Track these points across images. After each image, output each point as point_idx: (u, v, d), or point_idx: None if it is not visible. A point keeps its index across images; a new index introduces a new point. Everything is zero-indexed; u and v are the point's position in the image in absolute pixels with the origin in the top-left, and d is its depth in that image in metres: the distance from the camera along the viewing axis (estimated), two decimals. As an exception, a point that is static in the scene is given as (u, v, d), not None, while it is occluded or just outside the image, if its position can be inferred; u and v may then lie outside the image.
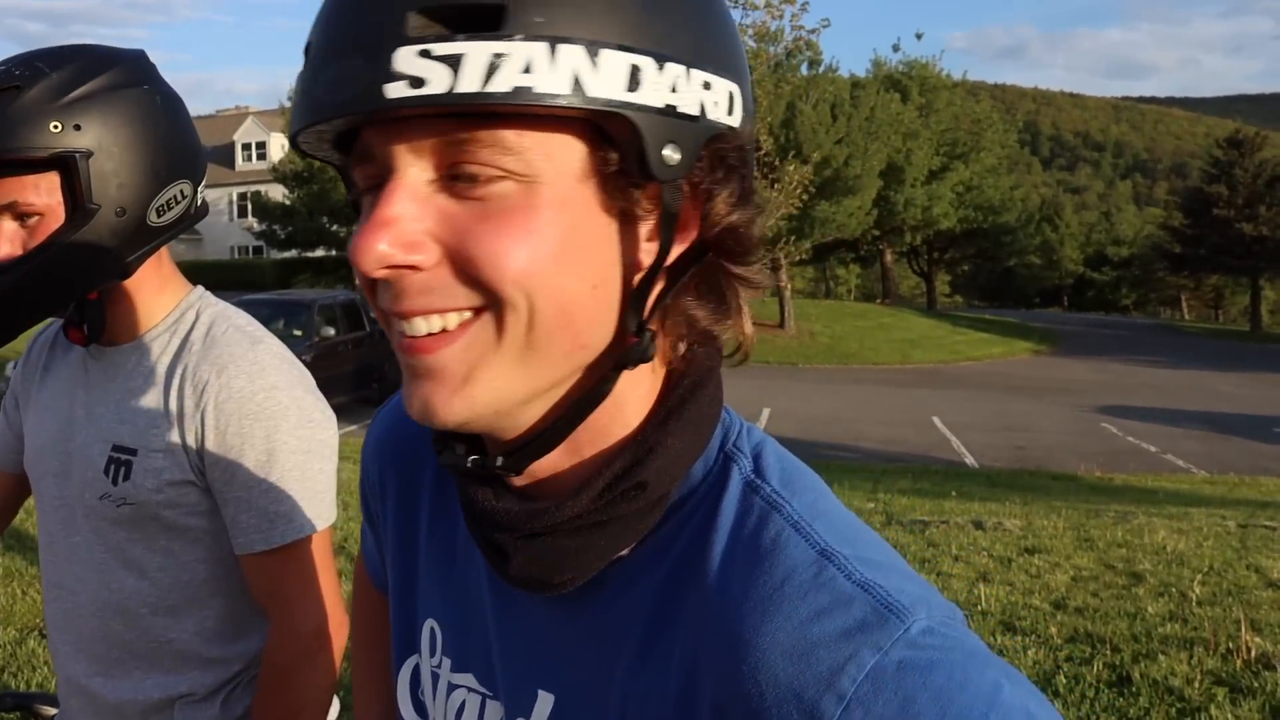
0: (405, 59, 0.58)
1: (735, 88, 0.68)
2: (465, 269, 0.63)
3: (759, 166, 16.59)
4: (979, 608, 5.32)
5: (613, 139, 0.63)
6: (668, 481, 0.70)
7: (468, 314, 0.64)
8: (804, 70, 33.54)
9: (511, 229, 0.62)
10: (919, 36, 56.36)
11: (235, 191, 57.35)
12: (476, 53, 0.58)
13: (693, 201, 0.67)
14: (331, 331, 16.34)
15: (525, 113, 0.60)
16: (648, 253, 0.67)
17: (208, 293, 1.63)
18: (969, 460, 15.15)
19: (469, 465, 0.72)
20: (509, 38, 0.58)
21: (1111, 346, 36.77)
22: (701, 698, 0.64)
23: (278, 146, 53.44)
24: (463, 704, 0.82)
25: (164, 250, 1.55)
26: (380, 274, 0.63)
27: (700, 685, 0.64)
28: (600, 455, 0.72)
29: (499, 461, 0.71)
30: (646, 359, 0.68)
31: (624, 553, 0.71)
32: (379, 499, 0.96)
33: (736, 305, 0.73)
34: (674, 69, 0.63)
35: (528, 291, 0.63)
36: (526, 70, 0.58)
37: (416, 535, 0.90)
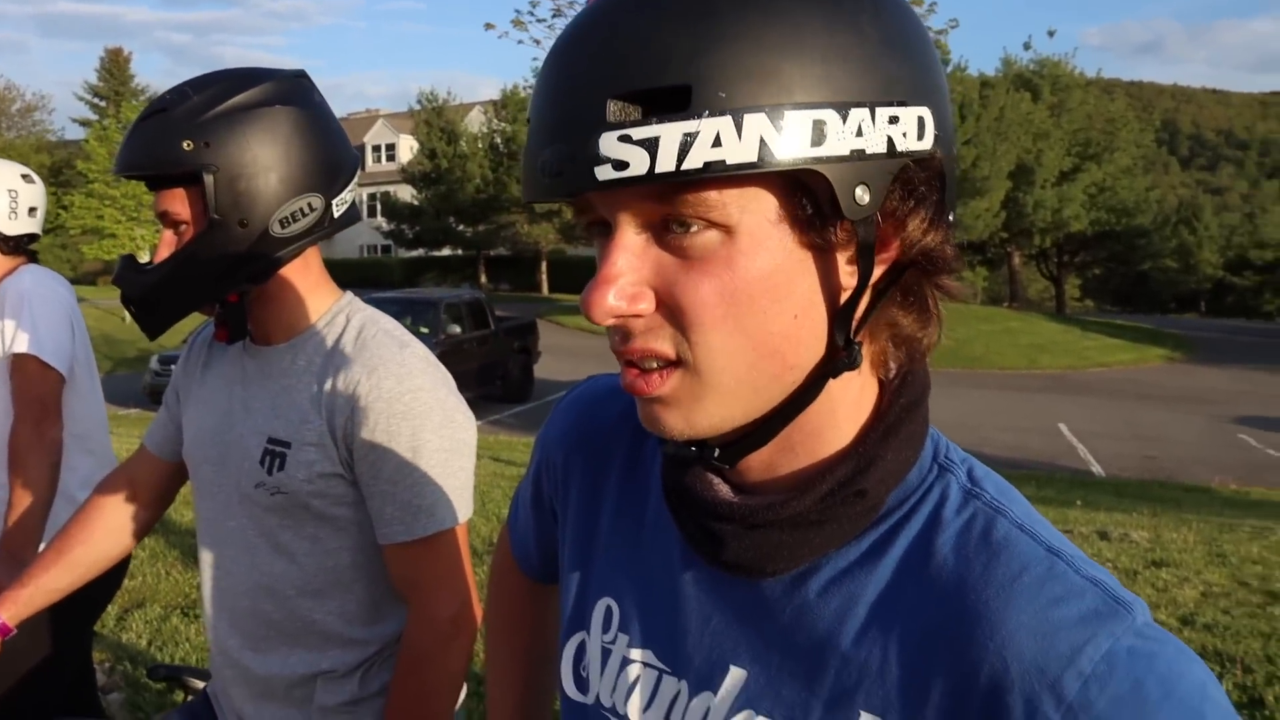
0: (608, 144, 0.65)
1: (925, 111, 0.71)
2: (674, 315, 0.71)
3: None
4: (1101, 620, 5.19)
5: (806, 186, 0.68)
6: (884, 490, 0.77)
7: (676, 365, 0.72)
8: (931, 70, 33.00)
9: (714, 276, 0.69)
10: (1051, 34, 54.81)
11: (365, 192, 58.77)
12: (669, 134, 0.64)
13: (891, 228, 0.72)
14: (457, 329, 16.67)
15: (720, 177, 0.66)
16: (848, 277, 0.72)
17: (357, 298, 1.74)
18: (1096, 469, 14.74)
19: (690, 452, 0.79)
20: (696, 117, 0.64)
21: (1252, 354, 35.22)
22: (934, 670, 0.71)
23: (406, 148, 54.66)
24: (637, 679, 0.88)
25: (313, 256, 1.68)
26: (610, 323, 0.72)
27: (934, 659, 0.71)
28: (817, 460, 0.79)
29: (715, 453, 0.78)
30: (853, 367, 0.74)
31: (834, 548, 0.78)
32: (560, 486, 1.03)
33: (937, 312, 0.79)
34: (858, 114, 0.67)
35: (726, 335, 0.70)
36: (715, 144, 0.64)
37: (598, 519, 0.97)
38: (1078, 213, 41.65)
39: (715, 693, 0.82)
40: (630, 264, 0.71)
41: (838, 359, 0.74)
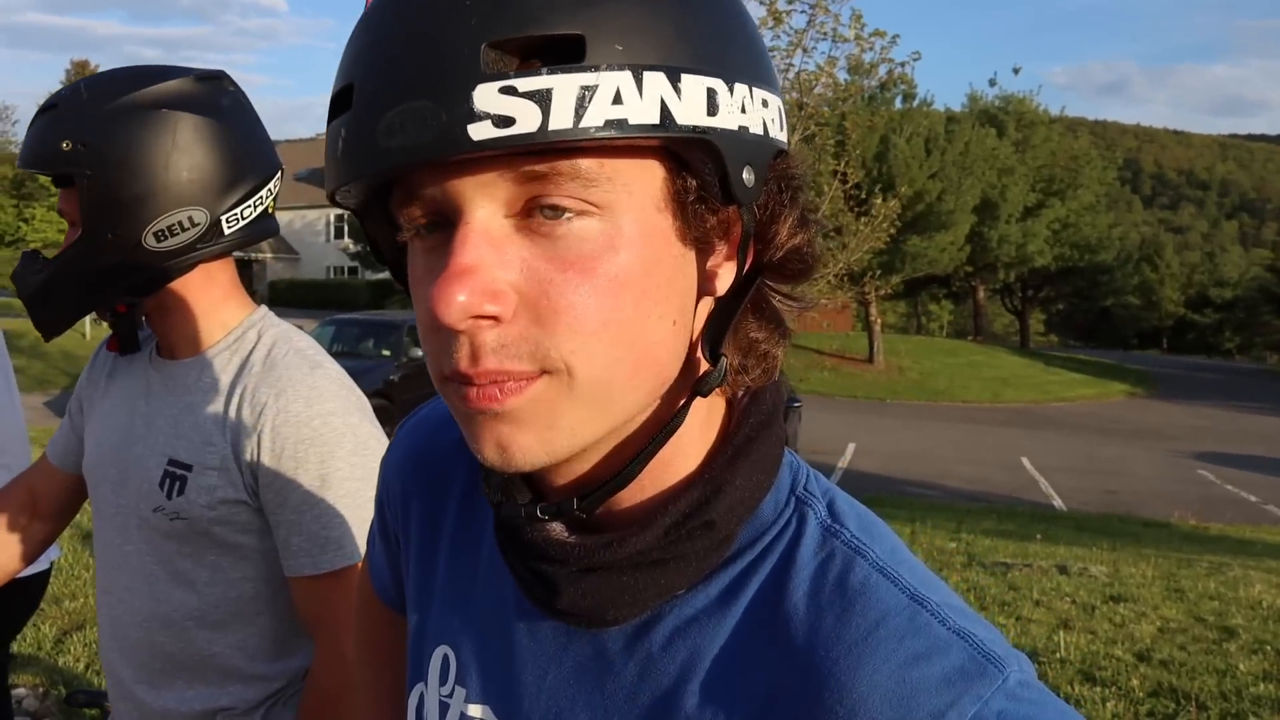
0: (486, 97, 0.54)
1: (777, 101, 0.66)
2: (544, 323, 0.59)
3: (847, 200, 16.35)
4: (1058, 655, 5.18)
5: (689, 165, 0.61)
6: (734, 521, 0.68)
7: (538, 375, 0.60)
8: (898, 104, 33.33)
9: (592, 277, 0.59)
10: (1016, 71, 55.53)
11: (332, 214, 58.54)
12: (564, 87, 0.54)
13: (769, 223, 0.66)
14: (419, 352, 16.55)
15: (607, 144, 0.57)
16: (723, 280, 0.66)
17: (271, 313, 1.65)
18: (1057, 503, 14.82)
19: (540, 514, 0.68)
20: (594, 69, 0.55)
21: (1212, 391, 35.71)
22: None
23: (376, 170, 54.63)
24: None
25: (219, 269, 1.57)
26: (464, 326, 0.58)
27: None
28: (663, 490, 0.69)
29: (575, 505, 0.67)
30: (723, 384, 0.67)
31: (681, 591, 0.69)
32: (400, 517, 0.92)
33: (786, 329, 0.72)
34: (740, 89, 0.61)
35: (609, 343, 0.60)
36: (616, 101, 0.55)
37: (435, 557, 0.86)
38: (1041, 248, 42.12)
39: None
40: (488, 256, 0.59)
41: (708, 375, 0.66)
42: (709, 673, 0.67)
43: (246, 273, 52.62)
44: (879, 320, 35.26)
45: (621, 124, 0.55)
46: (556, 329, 0.59)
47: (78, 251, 1.46)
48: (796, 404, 15.52)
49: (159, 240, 1.45)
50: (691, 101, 0.58)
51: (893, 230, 17.89)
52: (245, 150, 1.53)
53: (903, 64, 15.61)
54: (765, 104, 0.63)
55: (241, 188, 1.51)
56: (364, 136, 0.57)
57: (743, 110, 0.61)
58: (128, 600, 1.58)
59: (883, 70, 15.58)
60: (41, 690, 4.20)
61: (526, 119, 0.54)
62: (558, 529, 0.69)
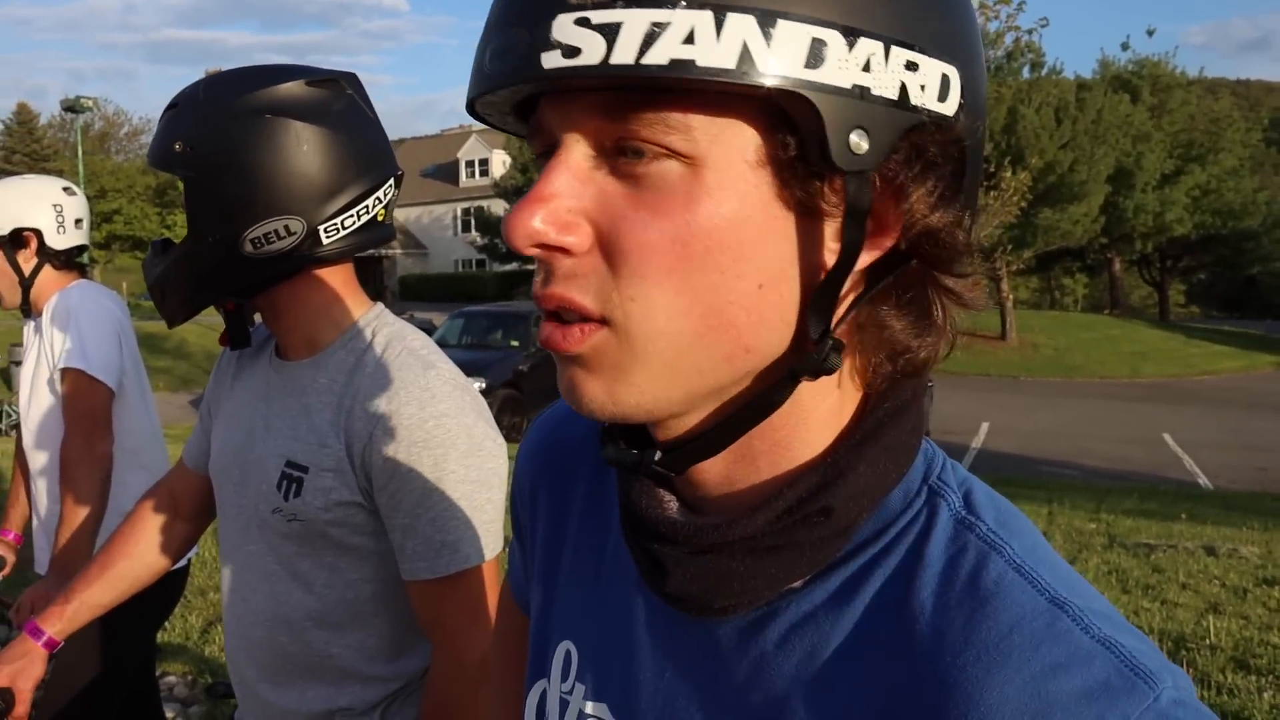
0: (562, 27, 0.55)
1: (953, 70, 0.60)
2: (611, 258, 0.59)
3: (975, 174, 16.10)
4: (1207, 641, 4.99)
5: (793, 121, 0.57)
6: (856, 511, 0.64)
7: (601, 326, 0.61)
8: (1025, 73, 32.38)
9: (667, 216, 0.58)
10: (1150, 33, 53.42)
11: (459, 207, 59.61)
12: (634, 21, 0.54)
13: (891, 199, 0.60)
14: (547, 342, 16.76)
15: (692, 87, 0.55)
16: (832, 252, 0.60)
17: (386, 311, 1.65)
18: (1202, 481, 14.24)
19: (630, 461, 0.68)
20: (672, 5, 0.53)
21: (1370, 360, 33.83)
22: None
23: (499, 163, 55.29)
24: None
25: (333, 271, 1.58)
26: (531, 251, 0.60)
27: None
28: (781, 474, 0.66)
29: (656, 455, 0.66)
30: (828, 370, 0.62)
31: (797, 584, 0.65)
32: (529, 510, 0.91)
33: (942, 320, 0.66)
34: (868, 45, 0.56)
35: (672, 293, 0.59)
36: (688, 40, 0.53)
37: (562, 549, 0.85)
38: (1181, 216, 40.42)
39: None
40: (570, 186, 0.60)
41: (808, 354, 0.61)
42: (825, 675, 0.63)
43: (376, 269, 53.97)
44: (1010, 296, 34.38)
45: (688, 65, 0.53)
46: (621, 270, 0.59)
47: (185, 251, 1.50)
48: (929, 384, 15.19)
49: (255, 247, 1.46)
50: (785, 50, 0.54)
51: (1023, 203, 17.44)
52: (352, 157, 1.51)
53: (1029, 31, 15.23)
54: (912, 66, 0.58)
55: (344, 197, 1.50)
56: (480, 58, 0.60)
57: (865, 68, 0.56)
58: (250, 600, 1.61)
59: (1009, 39, 15.19)
60: (190, 678, 4.40)
61: (592, 50, 0.54)
62: (672, 507, 0.69)
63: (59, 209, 2.83)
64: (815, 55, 0.55)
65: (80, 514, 2.61)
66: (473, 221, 53.14)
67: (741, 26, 0.54)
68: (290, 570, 1.56)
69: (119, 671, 2.71)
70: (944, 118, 0.60)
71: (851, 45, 0.56)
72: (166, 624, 4.85)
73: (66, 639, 1.75)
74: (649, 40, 0.53)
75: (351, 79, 1.60)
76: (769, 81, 0.54)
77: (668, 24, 0.53)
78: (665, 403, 0.62)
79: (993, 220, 15.70)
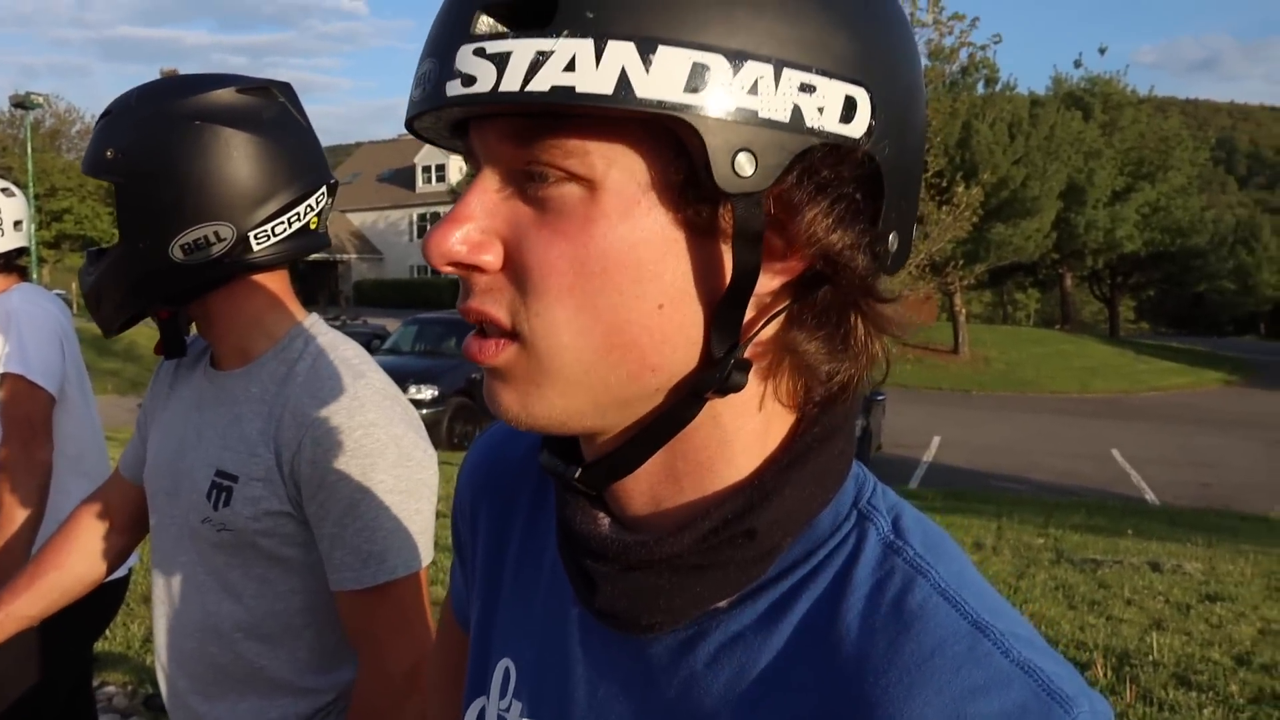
0: (463, 57, 0.58)
1: (860, 91, 0.59)
2: (518, 277, 0.62)
3: (928, 189, 16.14)
4: (1150, 658, 5.04)
5: (682, 145, 0.58)
6: (780, 534, 0.65)
7: (511, 341, 0.63)
8: (980, 89, 32.78)
9: (565, 236, 0.60)
10: (1102, 51, 54.32)
11: (415, 213, 59.36)
12: (521, 50, 0.56)
13: (790, 221, 0.60)
14: (501, 351, 16.73)
15: (583, 113, 0.57)
16: (730, 273, 0.61)
17: (320, 321, 1.64)
18: (1149, 496, 14.48)
19: (558, 470, 0.71)
20: (555, 35, 0.56)
21: (1313, 378, 34.49)
22: None
23: (456, 169, 55.17)
24: None
25: (266, 280, 1.57)
26: (446, 269, 0.64)
27: None
28: (707, 495, 0.68)
29: (576, 473, 0.69)
30: (732, 388, 0.63)
31: (723, 604, 0.67)
32: (470, 527, 0.92)
33: (863, 345, 0.66)
34: (756, 68, 0.56)
35: (573, 310, 0.61)
36: (569, 68, 0.55)
37: (503, 566, 0.86)
38: (1131, 233, 41.11)
39: None
40: (484, 208, 0.63)
41: (709, 374, 0.63)
42: (752, 695, 0.64)
43: (331, 274, 53.62)
44: (964, 310, 34.77)
45: (568, 91, 0.55)
46: (527, 288, 0.61)
47: (116, 258, 1.50)
48: (880, 398, 15.35)
49: (186, 254, 1.45)
50: (664, 75, 0.55)
51: (975, 218, 17.61)
52: (282, 165, 1.51)
53: (983, 47, 15.40)
54: (808, 88, 0.57)
55: (274, 203, 1.50)
56: (412, 86, 0.64)
57: (752, 90, 0.56)
58: (181, 611, 1.59)
59: (963, 55, 15.36)
60: (130, 688, 4.32)
61: (485, 79, 0.57)
62: (605, 524, 0.70)
63: None
64: (696, 79, 0.56)
65: (16, 521, 2.54)
66: (428, 227, 52.71)
67: (620, 53, 0.55)
68: (220, 581, 1.55)
69: (54, 682, 2.65)
70: (846, 139, 0.59)
71: (737, 69, 0.56)
72: (107, 633, 4.76)
73: None
74: (534, 68, 0.56)
75: (284, 87, 1.59)
76: (648, 107, 0.55)
77: (551, 52, 0.56)
78: (576, 415, 0.65)
79: (945, 235, 15.85)
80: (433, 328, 17.52)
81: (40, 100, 36.01)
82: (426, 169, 60.12)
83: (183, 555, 1.58)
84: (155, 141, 1.45)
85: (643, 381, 0.63)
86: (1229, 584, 6.94)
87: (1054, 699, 0.56)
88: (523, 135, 0.60)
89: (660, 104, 0.55)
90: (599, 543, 0.68)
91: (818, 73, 0.58)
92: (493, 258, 0.63)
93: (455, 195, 47.38)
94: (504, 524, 0.87)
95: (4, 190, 2.84)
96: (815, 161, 0.59)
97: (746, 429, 0.67)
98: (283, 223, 1.51)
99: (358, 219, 61.09)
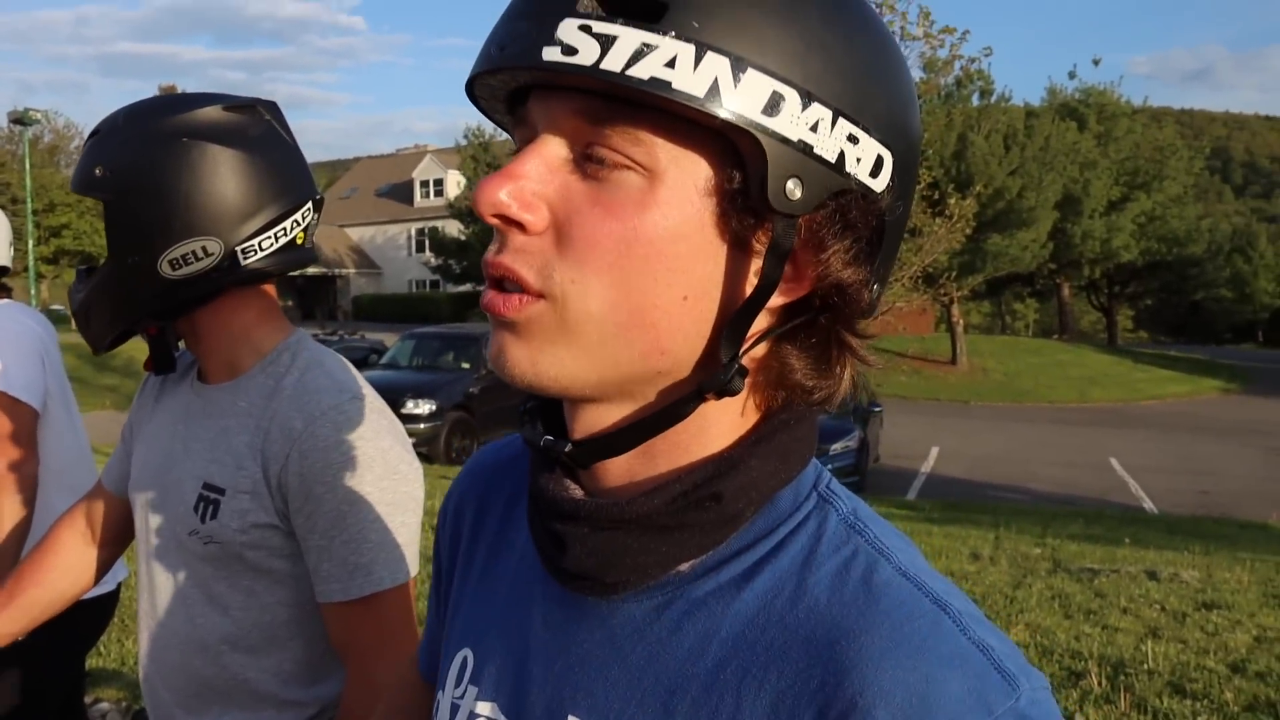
0: (566, 29, 0.62)
1: (888, 154, 0.68)
2: (560, 245, 0.66)
3: (923, 200, 16.10)
4: (1145, 666, 5.04)
5: (741, 159, 0.65)
6: (744, 501, 0.70)
7: (538, 298, 0.67)
8: (975, 100, 32.86)
9: (617, 218, 0.65)
10: (1096, 62, 54.48)
11: (413, 227, 59.38)
12: (628, 37, 0.61)
13: (810, 250, 0.68)
14: (498, 365, 16.69)
15: (662, 108, 0.63)
16: (751, 285, 0.68)
17: (307, 336, 1.66)
18: (1148, 505, 14.46)
19: (542, 444, 0.74)
20: (662, 32, 0.61)
21: (1311, 385, 34.49)
22: None
23: (454, 183, 55.14)
24: None
25: (254, 295, 1.60)
26: (492, 220, 0.67)
27: (796, 712, 0.64)
28: (679, 467, 0.72)
29: (567, 448, 0.73)
30: (731, 391, 0.69)
31: (685, 568, 0.72)
32: (450, 543, 0.97)
33: (840, 371, 0.73)
34: (820, 109, 0.64)
35: (608, 284, 0.65)
36: (669, 65, 0.61)
37: (472, 563, 0.91)
38: (1127, 243, 41.14)
39: None
40: (538, 172, 0.67)
41: (715, 374, 0.68)
42: (717, 657, 0.68)
43: (330, 288, 53.59)
44: (961, 321, 34.78)
45: (665, 85, 0.61)
46: (568, 254, 0.66)
47: (105, 275, 1.52)
48: (877, 409, 15.34)
49: (174, 268, 1.48)
50: (749, 94, 0.62)
51: (970, 229, 17.64)
52: (268, 180, 1.53)
53: (973, 60, 15.44)
54: (854, 140, 0.66)
55: (260, 218, 1.52)
56: (489, 43, 0.68)
57: (813, 129, 0.64)
58: (166, 623, 1.60)
59: (956, 67, 15.42)
60: (124, 704, 4.32)
61: (587, 53, 0.62)
62: (577, 493, 0.74)
63: None
64: (773, 105, 0.63)
65: (1, 536, 2.56)
66: (427, 242, 52.89)
67: (716, 64, 0.62)
68: (206, 593, 1.56)
69: (44, 697, 2.66)
70: (872, 191, 0.67)
71: (805, 106, 0.64)
72: (101, 649, 4.76)
73: None
74: (637, 56, 0.61)
75: (270, 106, 1.62)
76: (729, 116, 0.62)
77: (656, 47, 0.61)
78: (580, 382, 0.69)
79: (939, 246, 15.89)
80: (430, 342, 17.51)
81: (38, 116, 36.01)
82: (425, 183, 60.18)
83: (168, 568, 1.59)
84: (143, 159, 1.47)
85: (650, 362, 0.68)
86: (1225, 592, 6.93)
87: (1004, 677, 0.62)
88: (594, 115, 0.65)
89: (740, 117, 0.62)
90: (571, 505, 0.72)
91: (862, 128, 0.66)
92: (536, 219, 0.67)
93: (452, 208, 47.46)
94: (479, 525, 0.92)
95: None
96: (847, 202, 0.67)
97: (724, 420, 0.72)
98: (269, 237, 1.53)
99: (356, 234, 61.12)
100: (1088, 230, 38.90)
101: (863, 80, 0.66)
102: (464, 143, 47.54)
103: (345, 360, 1.65)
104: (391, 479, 1.52)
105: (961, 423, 23.64)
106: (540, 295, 0.67)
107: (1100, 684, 4.74)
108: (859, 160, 0.66)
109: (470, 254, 46.25)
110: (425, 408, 14.42)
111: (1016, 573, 7.55)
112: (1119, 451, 19.56)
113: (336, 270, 54.98)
